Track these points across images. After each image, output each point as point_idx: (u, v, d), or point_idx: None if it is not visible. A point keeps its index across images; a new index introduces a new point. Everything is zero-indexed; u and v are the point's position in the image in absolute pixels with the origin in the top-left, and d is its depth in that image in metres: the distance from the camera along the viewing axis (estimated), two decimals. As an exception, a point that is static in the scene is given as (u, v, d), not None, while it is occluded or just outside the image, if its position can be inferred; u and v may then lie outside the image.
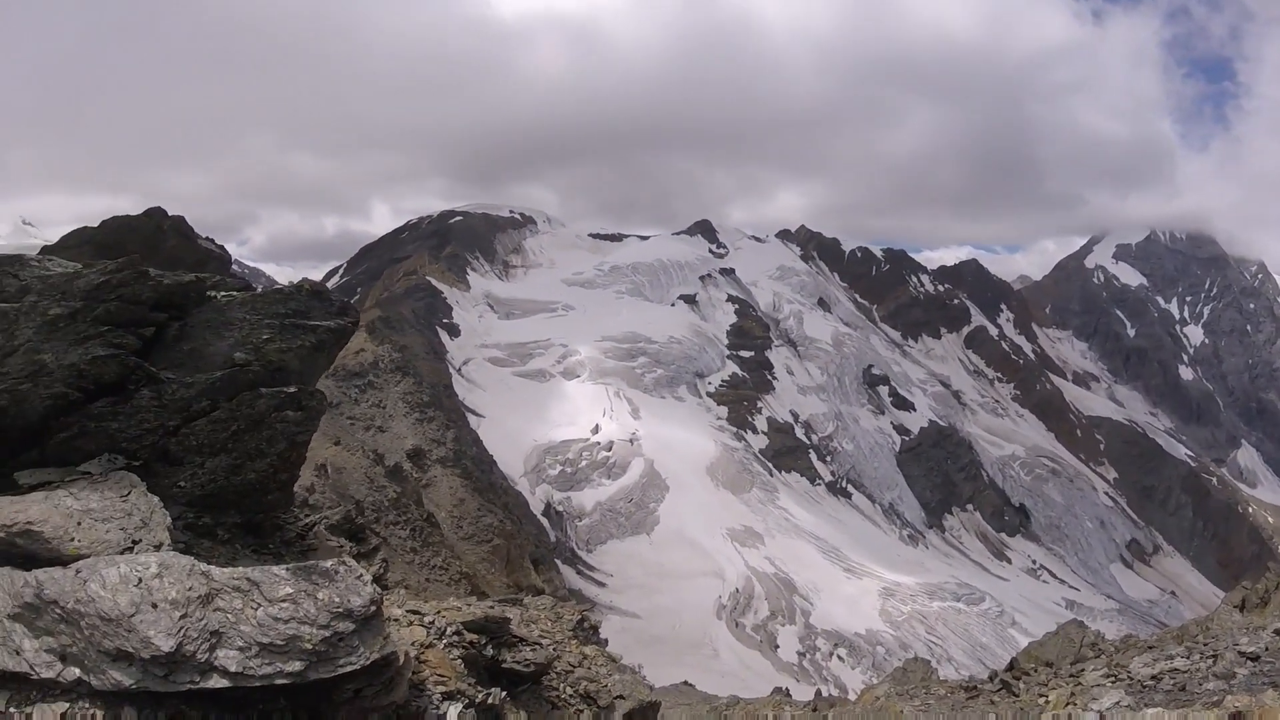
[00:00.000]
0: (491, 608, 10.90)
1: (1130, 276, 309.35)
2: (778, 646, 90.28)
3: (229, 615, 4.08)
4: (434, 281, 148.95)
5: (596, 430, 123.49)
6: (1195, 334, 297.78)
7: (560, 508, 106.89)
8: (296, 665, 4.06)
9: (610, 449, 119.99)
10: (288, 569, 4.43)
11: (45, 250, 8.71)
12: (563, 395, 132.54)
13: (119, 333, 6.05)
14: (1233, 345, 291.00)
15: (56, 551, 4.57)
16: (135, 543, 4.82)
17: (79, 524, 4.77)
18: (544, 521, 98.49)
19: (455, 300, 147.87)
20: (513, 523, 77.58)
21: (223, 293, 7.13)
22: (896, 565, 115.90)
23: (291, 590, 4.26)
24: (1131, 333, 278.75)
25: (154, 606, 3.93)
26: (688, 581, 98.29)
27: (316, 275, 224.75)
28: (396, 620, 6.35)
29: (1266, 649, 11.18)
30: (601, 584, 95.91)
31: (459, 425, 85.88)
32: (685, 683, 55.82)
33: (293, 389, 6.69)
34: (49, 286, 6.00)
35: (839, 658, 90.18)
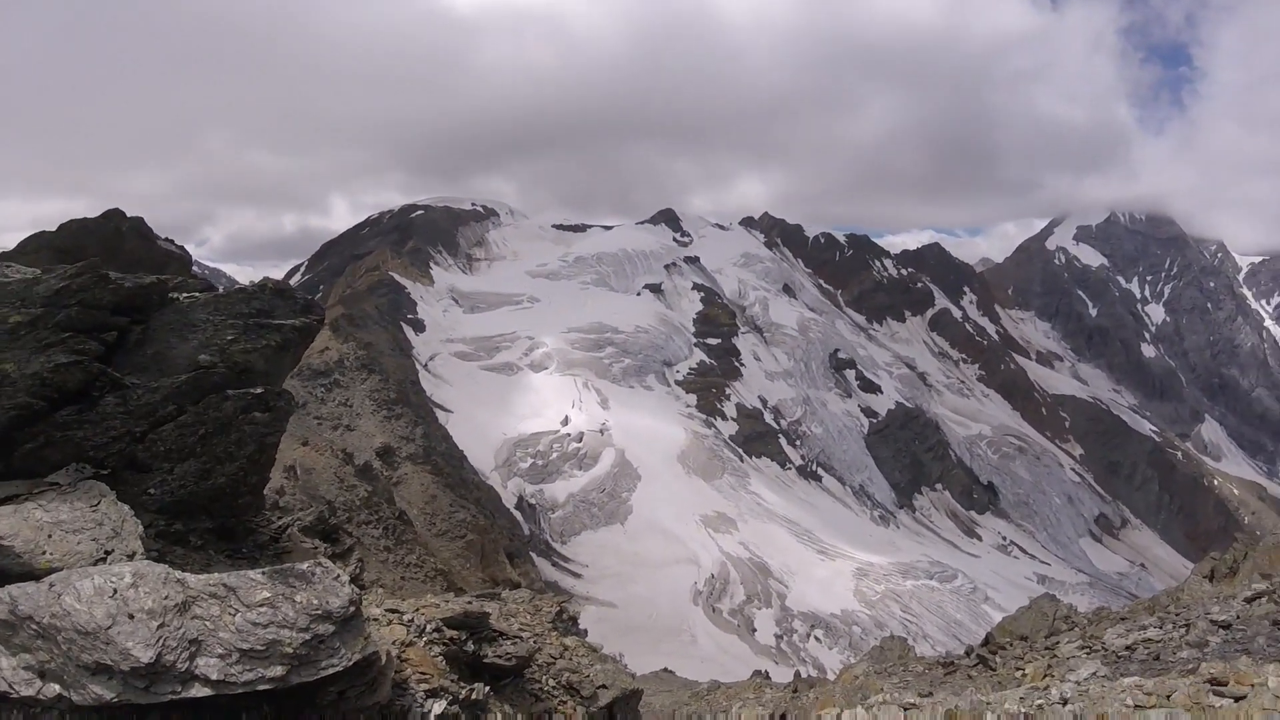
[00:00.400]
0: (469, 603, 10.84)
1: (1091, 257, 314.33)
2: (755, 630, 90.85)
3: (207, 623, 3.99)
4: (397, 277, 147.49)
5: (566, 422, 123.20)
6: (1156, 312, 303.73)
7: (533, 500, 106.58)
8: (278, 670, 3.99)
9: (580, 440, 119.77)
10: (263, 573, 4.34)
11: (3, 256, 8.44)
12: (531, 388, 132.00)
13: (81, 339, 5.88)
14: (1194, 323, 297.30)
15: (28, 566, 4.44)
16: (108, 553, 4.69)
17: (49, 536, 4.64)
18: (517, 515, 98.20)
19: (419, 295, 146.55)
20: (486, 517, 77.26)
21: (185, 294, 6.97)
22: (869, 546, 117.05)
23: (269, 594, 4.18)
24: (1093, 312, 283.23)
25: (131, 617, 3.83)
26: (663, 569, 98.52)
27: (277, 274, 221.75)
28: (376, 620, 6.27)
29: (1238, 617, 11.42)
30: (577, 575, 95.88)
31: (427, 421, 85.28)
32: (665, 670, 56.19)
33: (259, 390, 6.56)
34: (8, 293, 5.82)
35: (816, 639, 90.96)
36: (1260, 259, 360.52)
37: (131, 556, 4.75)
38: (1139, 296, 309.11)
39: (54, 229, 8.92)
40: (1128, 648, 12.76)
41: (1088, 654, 13.65)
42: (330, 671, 4.16)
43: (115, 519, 4.96)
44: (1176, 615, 13.65)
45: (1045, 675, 10.95)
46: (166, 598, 3.96)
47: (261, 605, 4.12)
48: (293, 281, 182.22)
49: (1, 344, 5.67)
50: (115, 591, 3.92)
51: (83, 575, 4.03)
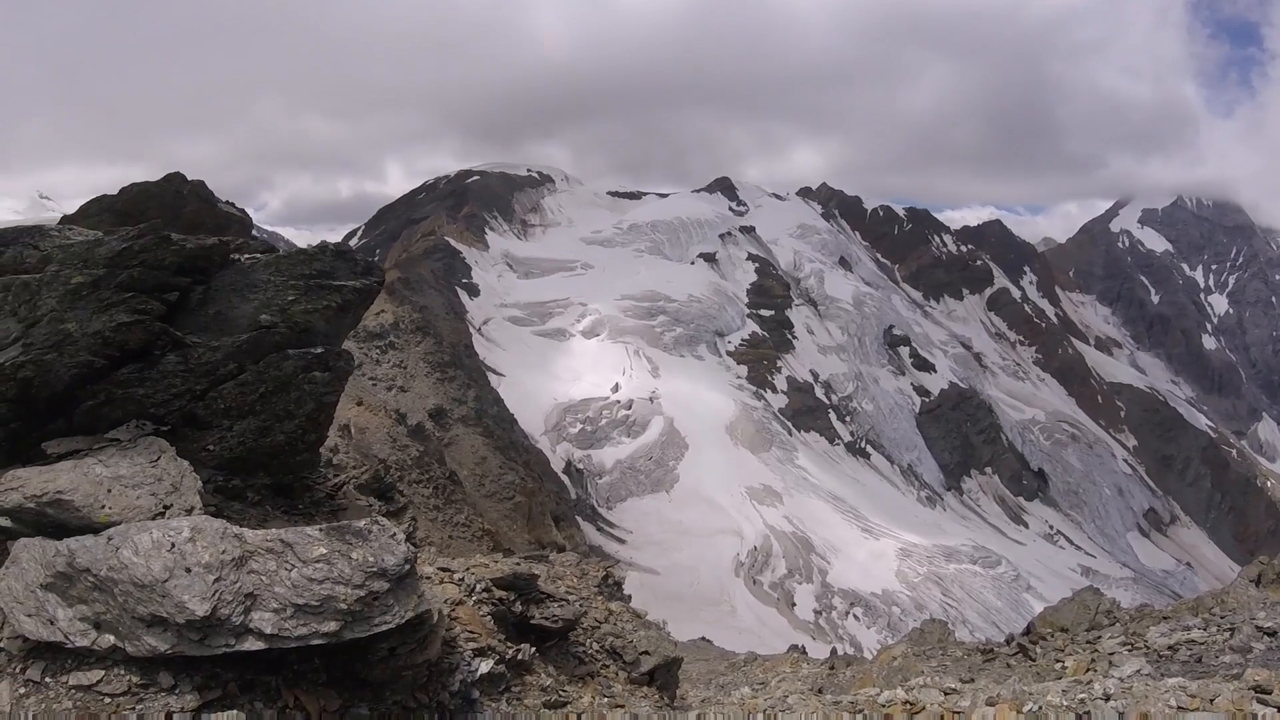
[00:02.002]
0: (518, 564, 11.02)
1: (1155, 242, 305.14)
2: (794, 605, 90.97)
3: (263, 577, 4.09)
4: (452, 242, 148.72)
5: (616, 389, 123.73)
6: (1220, 303, 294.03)
7: (581, 465, 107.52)
8: (332, 625, 4.09)
9: (630, 407, 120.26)
10: (320, 529, 4.44)
11: (65, 220, 8.66)
12: (583, 354, 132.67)
13: (143, 299, 6.00)
14: (1257, 316, 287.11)
15: (87, 520, 4.58)
16: (166, 508, 4.83)
17: (109, 491, 4.78)
18: (564, 479, 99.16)
19: (474, 260, 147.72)
20: (534, 480, 78.17)
21: (246, 255, 7.09)
22: (913, 526, 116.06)
23: (325, 550, 4.28)
24: (1155, 299, 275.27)
25: (187, 571, 3.95)
26: (706, 539, 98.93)
27: (334, 238, 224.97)
28: (428, 579, 6.40)
29: (1284, 624, 11.14)
30: (621, 541, 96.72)
31: (480, 384, 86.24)
32: (703, 639, 56.62)
33: (319, 350, 6.67)
34: (70, 255, 5.96)
35: (855, 617, 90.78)
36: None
37: (190, 512, 4.88)
38: (1202, 285, 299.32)
39: (115, 193, 9.11)
40: (1170, 647, 12.54)
41: (1130, 650, 13.43)
42: (383, 628, 4.26)
43: (174, 474, 5.10)
44: (1221, 618, 13.35)
45: (1088, 669, 10.80)
46: (224, 552, 4.07)
47: (318, 561, 4.22)
48: (349, 246, 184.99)
49: (64, 304, 5.80)
50: (173, 545, 4.04)
51: (141, 529, 4.15)
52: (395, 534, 4.57)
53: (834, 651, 59.51)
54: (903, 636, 27.57)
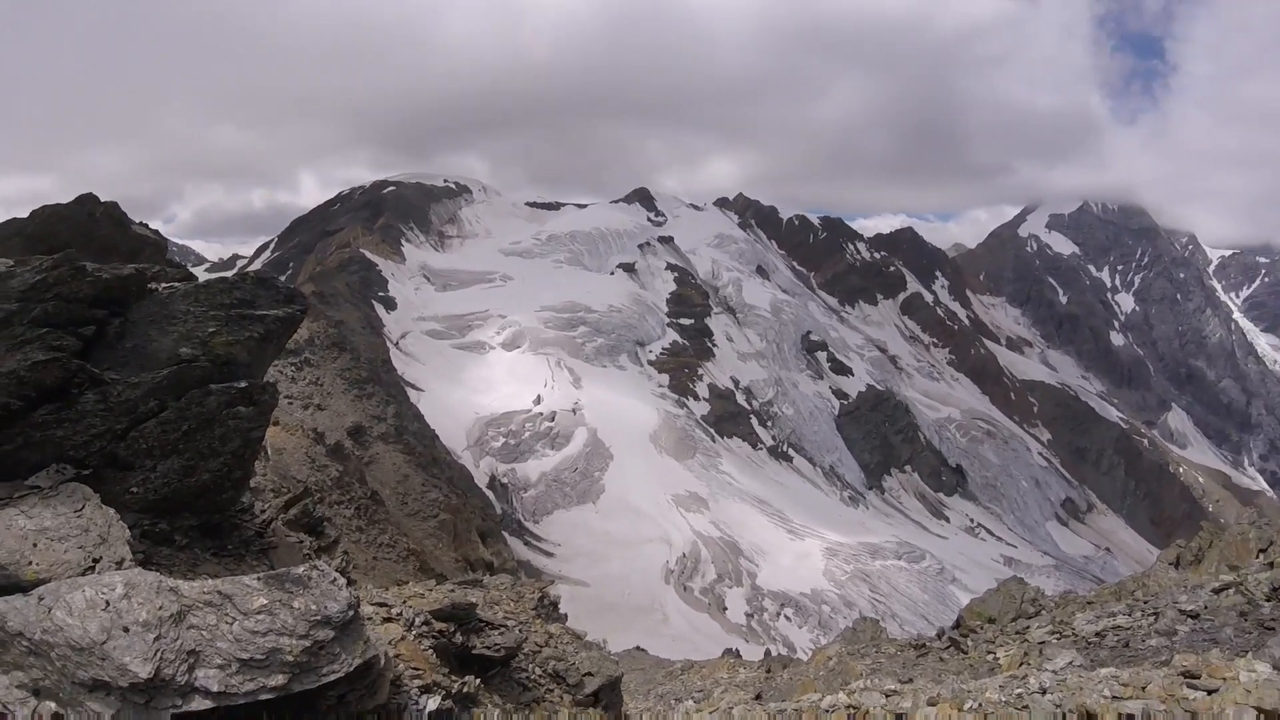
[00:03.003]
0: (453, 590, 10.81)
1: (1063, 245, 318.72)
2: (726, 609, 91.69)
3: (204, 632, 3.89)
4: (368, 254, 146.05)
5: (539, 401, 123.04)
6: (1126, 302, 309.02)
7: (505, 479, 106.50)
8: (279, 679, 3.91)
9: (553, 419, 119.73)
10: (259, 579, 4.24)
11: (-29, 246, 8.21)
12: (503, 366, 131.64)
13: (58, 334, 5.67)
14: (1163, 312, 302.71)
15: (14, 578, 4.29)
16: (96, 560, 4.56)
17: (35, 546, 4.49)
18: (489, 494, 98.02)
19: (391, 273, 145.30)
20: (458, 496, 77.07)
21: (164, 284, 6.77)
22: (838, 526, 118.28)
23: (266, 601, 4.09)
24: (1064, 300, 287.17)
25: (125, 630, 3.72)
26: (635, 548, 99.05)
27: (246, 250, 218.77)
28: (369, 618, 6.21)
29: (1205, 607, 11.65)
30: (549, 554, 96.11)
31: (399, 400, 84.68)
32: (637, 648, 56.51)
33: (243, 384, 6.39)
34: None
35: (786, 617, 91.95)
36: (1230, 252, 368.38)
37: (120, 564, 4.61)
38: (1109, 285, 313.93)
39: (25, 215, 8.66)
40: (1098, 634, 12.99)
41: (1058, 639, 13.88)
42: (332, 678, 4.09)
43: (101, 524, 4.82)
44: (1145, 603, 13.89)
45: (1021, 663, 11.12)
46: (161, 608, 3.85)
47: (259, 612, 4.03)
48: (262, 258, 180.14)
49: None
50: (108, 604, 3.80)
51: (72, 587, 3.90)
52: (336, 579, 4.40)
53: (768, 653, 60.15)
54: (836, 636, 28.05)
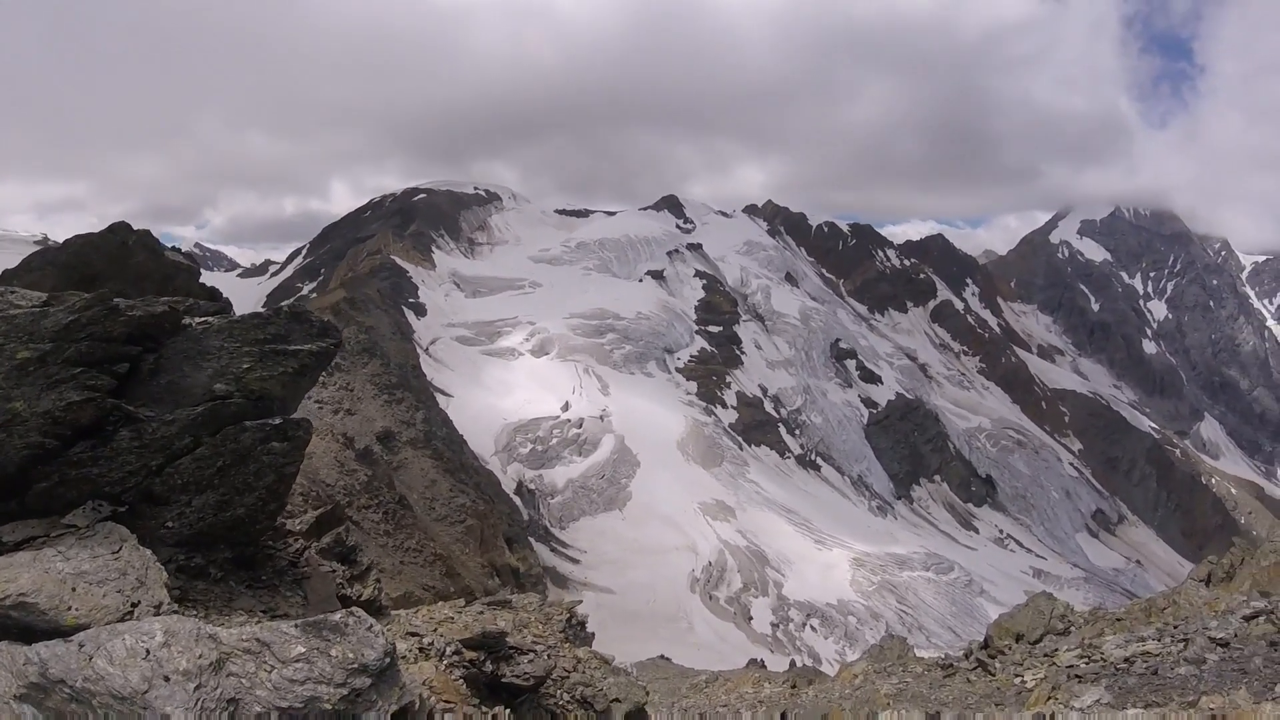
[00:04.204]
0: (481, 613, 10.89)
1: (1095, 252, 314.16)
2: (751, 618, 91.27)
3: (243, 680, 3.99)
4: (399, 261, 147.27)
5: (566, 407, 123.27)
6: (1159, 309, 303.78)
7: (532, 486, 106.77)
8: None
9: (581, 426, 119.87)
10: (297, 626, 4.34)
11: (5, 275, 8.37)
12: (532, 373, 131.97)
13: (93, 374, 5.77)
14: (1196, 320, 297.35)
15: (54, 623, 4.40)
16: (134, 605, 4.68)
17: (74, 590, 4.61)
18: (516, 500, 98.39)
19: (421, 279, 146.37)
20: (485, 502, 77.46)
21: (198, 319, 6.89)
22: (866, 536, 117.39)
23: (304, 649, 4.18)
24: (1096, 307, 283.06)
25: (166, 680, 3.82)
26: (661, 556, 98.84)
27: (279, 256, 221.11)
28: (404, 657, 6.30)
29: (1235, 635, 11.52)
30: (575, 561, 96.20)
31: (428, 406, 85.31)
32: (662, 656, 56.48)
33: (277, 420, 6.51)
34: (15, 328, 5.68)
35: (812, 628, 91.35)
36: (1264, 258, 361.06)
37: (158, 607, 4.73)
38: (1141, 292, 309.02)
39: (59, 245, 8.85)
40: (1126, 660, 12.85)
41: (1086, 663, 13.74)
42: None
43: (139, 567, 4.93)
44: (1175, 628, 13.73)
45: (1049, 698, 11.03)
46: (200, 656, 3.96)
47: (297, 660, 4.12)
48: (294, 264, 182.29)
49: (10, 381, 5.54)
50: (148, 652, 3.91)
51: (112, 634, 4.01)
52: (373, 625, 4.49)
53: (793, 664, 59.88)
54: (863, 654, 27.85)
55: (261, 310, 7.05)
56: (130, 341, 6.23)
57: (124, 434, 5.88)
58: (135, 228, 9.44)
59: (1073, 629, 19.18)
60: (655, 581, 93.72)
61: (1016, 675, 16.00)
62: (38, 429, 5.52)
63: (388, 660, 4.37)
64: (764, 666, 42.69)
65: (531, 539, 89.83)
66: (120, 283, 8.73)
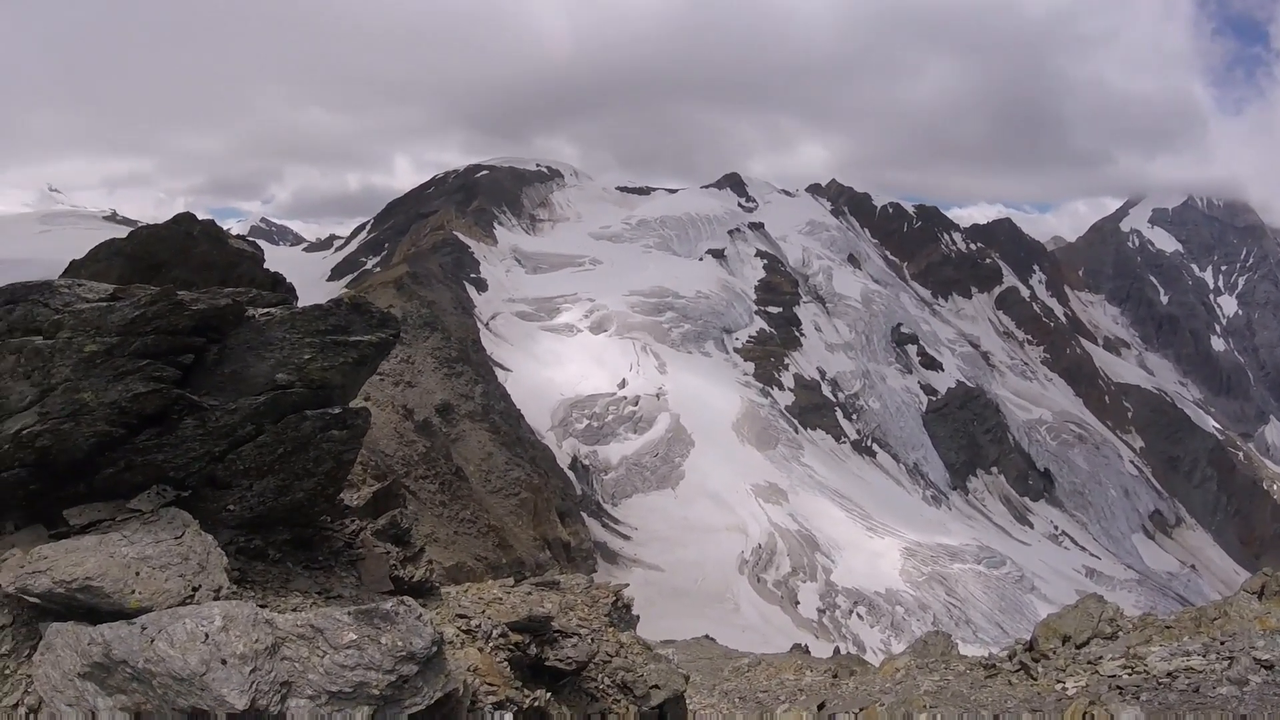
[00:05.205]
0: (529, 594, 11.20)
1: (1165, 242, 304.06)
2: (798, 603, 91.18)
3: (296, 664, 4.28)
4: (461, 236, 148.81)
5: (623, 385, 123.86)
6: (1229, 304, 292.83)
7: (587, 461, 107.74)
8: (365, 711, 4.29)
9: (637, 403, 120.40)
10: (349, 613, 4.62)
11: (72, 266, 8.79)
12: (590, 349, 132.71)
13: (158, 366, 6.05)
14: (1266, 318, 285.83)
15: (118, 605, 4.73)
16: (195, 589, 5.01)
17: (137, 574, 4.94)
18: (570, 475, 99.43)
19: (482, 255, 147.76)
20: (540, 476, 78.54)
21: (261, 310, 7.16)
22: (918, 526, 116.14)
23: (355, 636, 4.47)
24: (1164, 300, 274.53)
25: (224, 663, 4.13)
26: (711, 536, 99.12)
27: (343, 231, 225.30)
28: (450, 642, 6.59)
29: None
30: (626, 537, 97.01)
31: (487, 380, 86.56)
32: (707, 636, 56.76)
33: (337, 410, 6.80)
34: (82, 322, 5.97)
35: (858, 616, 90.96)
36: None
37: (218, 591, 5.06)
38: (1212, 286, 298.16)
39: (124, 236, 9.23)
40: (1169, 674, 12.72)
41: (1129, 675, 13.62)
42: (414, 710, 4.47)
43: (200, 552, 5.27)
44: (1222, 644, 13.51)
45: (1086, 713, 10.99)
46: (257, 640, 4.26)
47: (349, 647, 4.41)
48: (359, 239, 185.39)
49: (79, 373, 5.85)
50: (207, 636, 4.22)
51: (174, 618, 4.33)
52: (421, 615, 4.77)
53: (836, 650, 59.75)
54: (907, 648, 27.75)
55: (323, 302, 7.33)
56: (195, 333, 6.52)
57: (188, 422, 6.22)
58: (201, 204, 9.90)
59: (1120, 634, 18.94)
60: (704, 561, 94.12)
61: (1058, 681, 15.87)
62: (105, 418, 5.87)
63: (435, 649, 4.65)
64: (808, 652, 42.69)
65: (584, 514, 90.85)
66: (185, 271, 9.11)
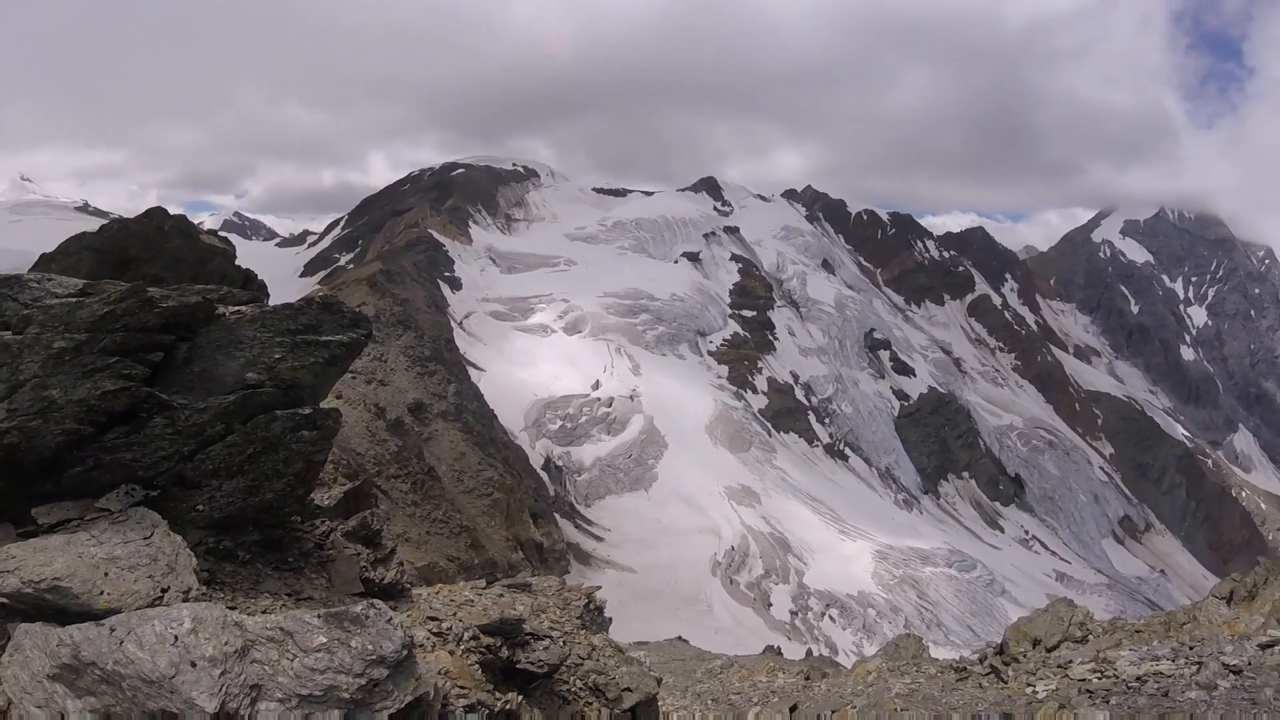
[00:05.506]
0: (501, 595, 11.12)
1: (1137, 253, 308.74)
2: (771, 605, 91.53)
3: (266, 667, 4.21)
4: (436, 234, 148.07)
5: (597, 386, 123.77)
6: (1199, 315, 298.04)
7: (560, 462, 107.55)
8: (335, 715, 4.23)
9: (610, 405, 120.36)
10: (319, 616, 4.56)
11: (43, 260, 8.63)
12: (564, 350, 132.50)
13: (127, 364, 5.95)
14: (1235, 329, 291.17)
15: (87, 606, 4.65)
16: (164, 590, 4.92)
17: (106, 575, 4.85)
18: (543, 476, 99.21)
19: (457, 254, 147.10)
20: (513, 476, 78.18)
21: (231, 308, 7.06)
22: (890, 529, 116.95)
23: (325, 640, 4.40)
24: (1135, 309, 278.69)
25: (193, 665, 4.06)
26: (684, 538, 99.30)
27: (317, 227, 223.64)
28: (421, 645, 6.52)
29: (1249, 663, 11.49)
30: (599, 538, 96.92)
31: (460, 379, 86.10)
32: (679, 638, 56.82)
33: (307, 410, 6.71)
34: (51, 318, 5.87)
35: (830, 618, 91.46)
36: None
37: (187, 593, 4.97)
38: (1182, 297, 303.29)
39: (95, 230, 9.08)
40: (1139, 679, 12.87)
41: (1099, 679, 13.77)
42: (384, 714, 4.41)
43: (169, 553, 5.18)
44: (1190, 649, 13.69)
45: (1055, 717, 11.11)
46: (226, 643, 4.19)
47: (319, 650, 4.34)
48: (332, 235, 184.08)
49: (47, 369, 5.74)
50: (176, 638, 4.14)
51: (143, 619, 4.25)
52: (391, 619, 4.70)
53: (809, 653, 59.99)
54: (878, 650, 27.91)
55: (294, 301, 7.24)
56: (165, 331, 6.41)
57: (157, 421, 6.11)
58: (175, 197, 9.78)
59: (1090, 638, 19.16)
60: (677, 563, 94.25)
61: (1029, 685, 16.00)
62: (73, 416, 5.76)
63: (405, 652, 4.59)
64: (780, 654, 42.87)
65: (557, 515, 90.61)
66: (156, 267, 8.97)
